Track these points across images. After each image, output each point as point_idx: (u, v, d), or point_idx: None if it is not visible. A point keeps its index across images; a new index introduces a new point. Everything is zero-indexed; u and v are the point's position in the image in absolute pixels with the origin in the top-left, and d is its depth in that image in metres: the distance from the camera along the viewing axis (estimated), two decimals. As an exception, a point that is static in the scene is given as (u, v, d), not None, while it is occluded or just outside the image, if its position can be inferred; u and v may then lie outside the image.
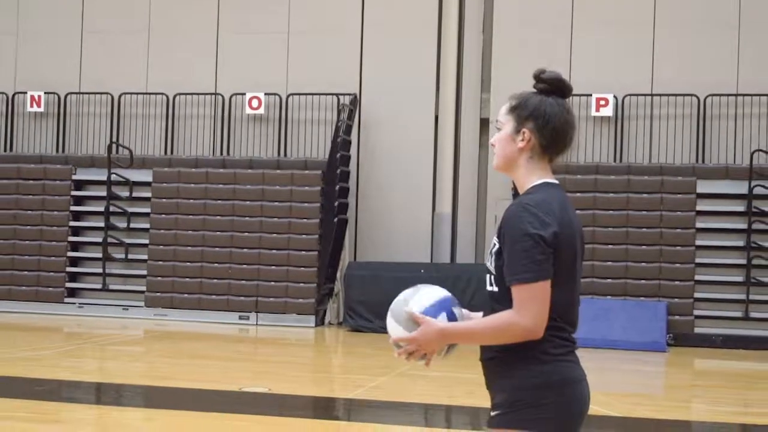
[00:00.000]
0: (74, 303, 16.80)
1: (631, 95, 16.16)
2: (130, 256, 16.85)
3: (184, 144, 17.65)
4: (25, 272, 16.93)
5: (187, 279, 16.33)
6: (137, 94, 17.75)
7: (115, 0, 18.04)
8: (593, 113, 16.17)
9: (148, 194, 16.87)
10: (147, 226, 16.79)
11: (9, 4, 18.34)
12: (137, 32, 17.87)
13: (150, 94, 17.70)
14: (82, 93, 18.00)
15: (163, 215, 16.65)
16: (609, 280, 15.05)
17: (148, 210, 16.83)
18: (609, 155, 16.20)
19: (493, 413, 3.05)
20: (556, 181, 3.11)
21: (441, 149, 17.02)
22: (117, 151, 17.30)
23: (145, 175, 16.96)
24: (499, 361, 3.04)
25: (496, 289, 3.04)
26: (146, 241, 16.71)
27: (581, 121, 16.28)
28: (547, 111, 3.05)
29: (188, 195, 16.62)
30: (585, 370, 3.06)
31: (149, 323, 16.00)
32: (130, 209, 16.94)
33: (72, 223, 17.23)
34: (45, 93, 17.96)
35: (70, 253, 17.17)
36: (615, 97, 16.13)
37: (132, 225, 16.93)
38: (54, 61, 18.11)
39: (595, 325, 14.23)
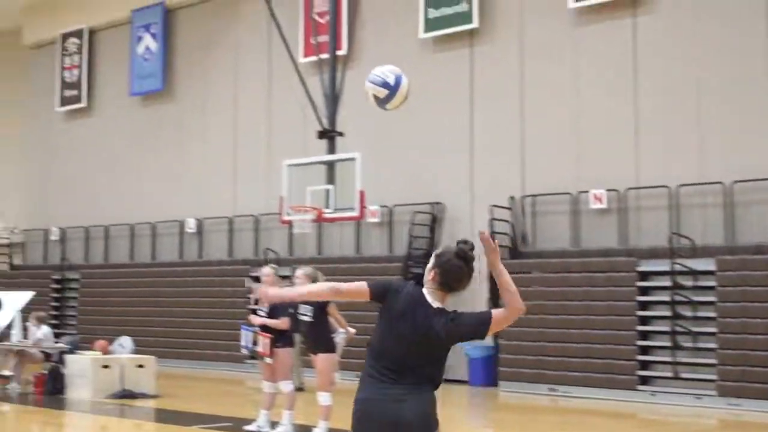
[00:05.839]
0: (646, 391, 16.63)
1: None
2: (698, 345, 16.33)
3: (745, 231, 16.81)
4: (597, 360, 17.17)
5: (759, 368, 15.33)
6: (694, 185, 17.33)
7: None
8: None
9: (713, 283, 16.27)
10: (713, 314, 16.15)
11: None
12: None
13: (706, 183, 17.16)
14: (641, 188, 18.04)
15: (729, 303, 15.91)
16: None
17: (713, 299, 16.21)
18: None
19: None
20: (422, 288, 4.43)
21: None
22: (678, 242, 17.00)
23: (707, 264, 16.41)
24: None
25: None
26: (714, 330, 16.05)
27: None
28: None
29: (754, 282, 15.73)
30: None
31: (722, 412, 15.27)
32: (695, 298, 16.47)
33: (639, 313, 17.15)
34: (606, 190, 18.31)
35: (639, 342, 17.04)
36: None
37: (698, 314, 16.43)
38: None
39: None
